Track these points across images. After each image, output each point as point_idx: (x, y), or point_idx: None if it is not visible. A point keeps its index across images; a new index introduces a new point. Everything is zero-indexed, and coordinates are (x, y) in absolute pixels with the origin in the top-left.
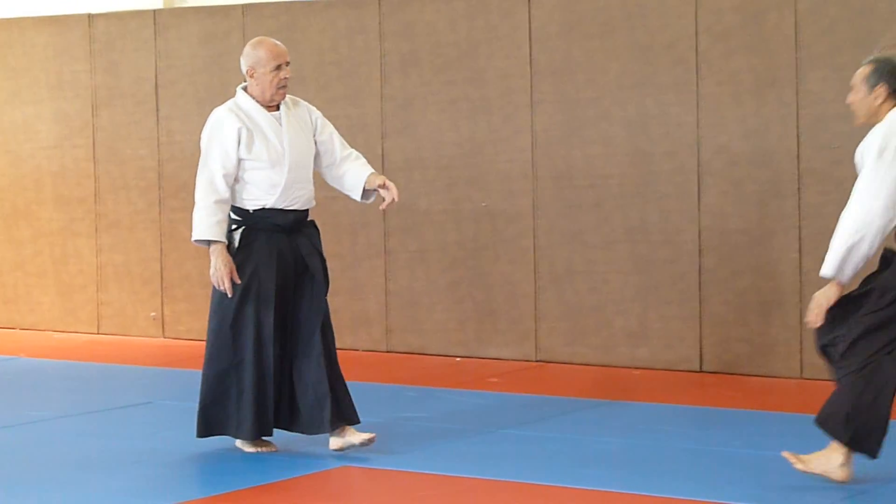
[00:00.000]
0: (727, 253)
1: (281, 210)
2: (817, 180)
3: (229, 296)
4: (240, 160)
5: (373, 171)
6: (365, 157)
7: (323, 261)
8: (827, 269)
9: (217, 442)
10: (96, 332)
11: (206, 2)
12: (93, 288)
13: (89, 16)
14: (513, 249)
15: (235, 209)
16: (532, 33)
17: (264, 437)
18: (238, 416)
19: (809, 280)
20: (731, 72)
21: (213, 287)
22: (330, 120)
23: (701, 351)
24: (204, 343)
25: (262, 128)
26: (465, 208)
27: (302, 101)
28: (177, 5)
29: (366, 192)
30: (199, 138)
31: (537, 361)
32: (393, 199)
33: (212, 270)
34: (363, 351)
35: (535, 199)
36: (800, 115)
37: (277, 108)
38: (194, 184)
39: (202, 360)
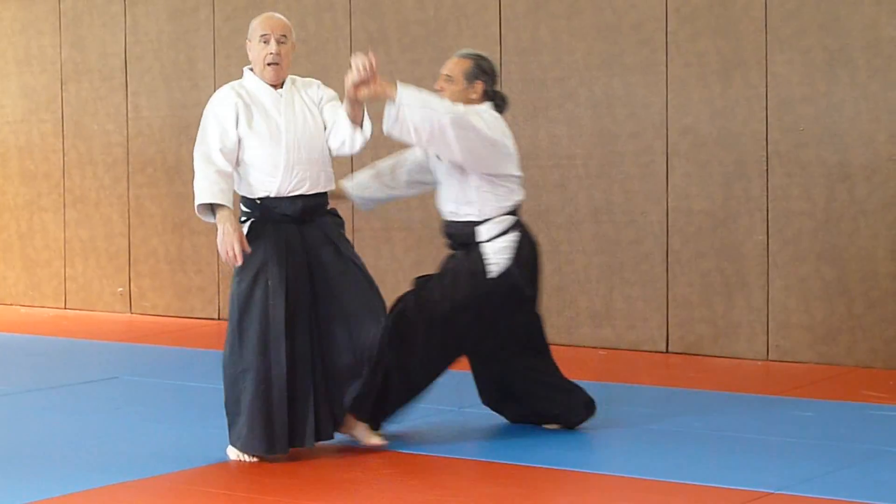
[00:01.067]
0: (692, 234)
1: (288, 198)
2: (783, 162)
3: (238, 263)
4: (240, 139)
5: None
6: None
7: (341, 250)
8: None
9: (185, 420)
10: (62, 307)
11: None
12: (59, 263)
13: None
14: None
15: (243, 199)
16: (501, 12)
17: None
18: (239, 424)
19: (775, 262)
20: (698, 53)
21: (233, 276)
22: None
23: (666, 332)
24: (170, 319)
25: (263, 104)
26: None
27: (316, 81)
28: None
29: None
30: (166, 115)
31: None
32: (361, 71)
33: (219, 239)
34: None
35: None
36: (767, 96)
37: (283, 86)
38: (161, 160)
39: (168, 336)
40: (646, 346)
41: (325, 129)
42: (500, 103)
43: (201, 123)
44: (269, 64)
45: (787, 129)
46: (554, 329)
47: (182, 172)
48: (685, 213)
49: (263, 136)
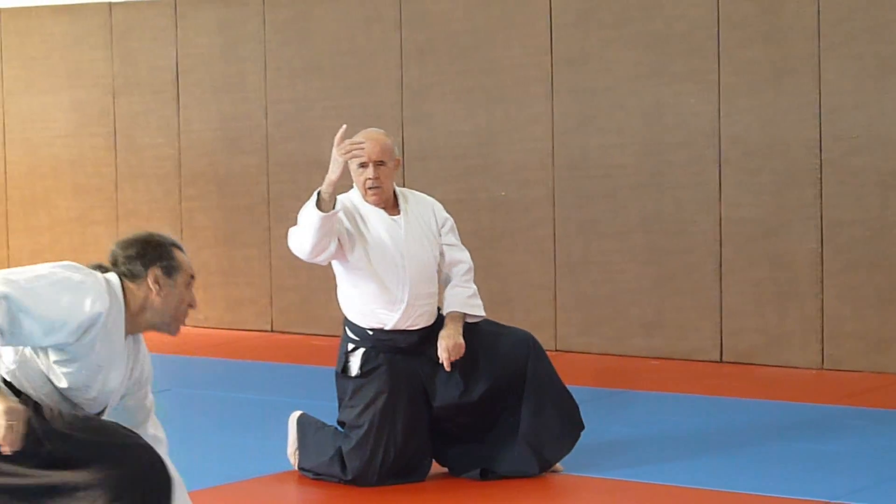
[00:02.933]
0: (743, 243)
1: (404, 332)
2: (835, 170)
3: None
4: (348, 259)
5: (457, 313)
6: None
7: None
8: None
9: (237, 432)
10: None
11: None
12: None
13: (109, 4)
14: (528, 239)
15: (352, 325)
16: (551, 22)
17: None
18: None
19: (828, 271)
20: (749, 61)
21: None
22: (346, 109)
23: (720, 342)
24: (222, 331)
25: (378, 232)
26: (480, 197)
27: (431, 201)
28: None
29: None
30: (217, 127)
31: (556, 351)
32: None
33: None
34: None
35: (551, 189)
36: (819, 104)
37: (397, 207)
38: (212, 173)
39: (220, 348)
40: (698, 356)
41: (439, 255)
42: None
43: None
44: (369, 189)
45: (838, 137)
46: (605, 339)
47: (231, 185)
48: (736, 222)
49: (380, 267)
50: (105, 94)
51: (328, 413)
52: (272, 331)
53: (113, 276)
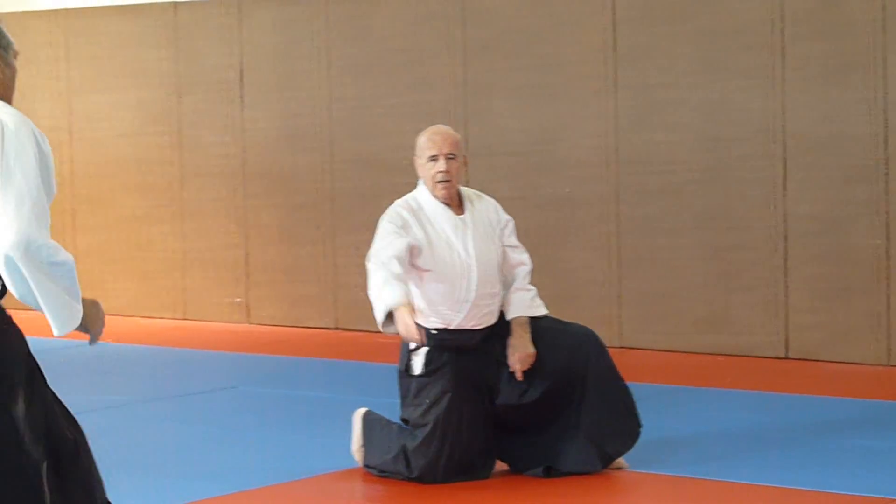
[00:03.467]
0: (807, 239)
1: (467, 331)
2: None
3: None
4: (414, 261)
5: (524, 318)
6: None
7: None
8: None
9: (301, 429)
10: (180, 317)
11: None
12: (176, 274)
13: (174, 4)
14: (590, 236)
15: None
16: (613, 17)
17: None
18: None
19: (893, 266)
20: (812, 56)
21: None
22: (406, 106)
23: (784, 338)
24: (286, 329)
25: (444, 230)
26: (542, 195)
27: (492, 201)
28: None
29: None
30: (280, 125)
31: (619, 347)
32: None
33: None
34: None
35: (613, 186)
36: (885, 98)
37: (462, 207)
38: (275, 171)
39: (284, 346)
40: (760, 352)
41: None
42: None
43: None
44: (438, 182)
45: None
46: (668, 335)
47: (295, 182)
48: (796, 217)
49: (446, 267)
50: (169, 94)
51: (392, 410)
52: (336, 328)
53: None
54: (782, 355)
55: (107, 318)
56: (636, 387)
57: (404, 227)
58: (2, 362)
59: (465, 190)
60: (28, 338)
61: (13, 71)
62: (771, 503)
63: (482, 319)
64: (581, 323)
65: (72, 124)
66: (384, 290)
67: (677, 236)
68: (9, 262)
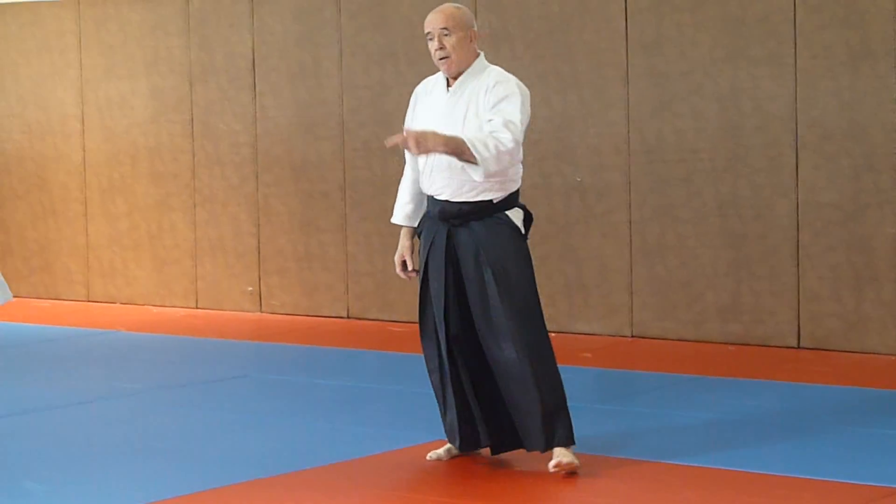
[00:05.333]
0: (821, 228)
1: (433, 198)
2: None
3: (404, 277)
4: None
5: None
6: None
7: (481, 261)
8: None
9: (313, 417)
10: (193, 306)
11: None
12: (189, 263)
13: None
14: (604, 224)
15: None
16: (626, 6)
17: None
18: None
19: None
20: (826, 44)
21: None
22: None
23: (797, 327)
24: (299, 318)
25: (435, 100)
26: (555, 182)
27: (496, 70)
28: None
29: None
30: (293, 114)
31: (632, 337)
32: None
33: None
34: None
35: (627, 174)
36: None
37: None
38: (288, 159)
39: (296, 334)
40: (775, 342)
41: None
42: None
43: None
44: (439, 60)
45: None
46: (681, 324)
47: (308, 171)
48: (814, 206)
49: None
50: (182, 82)
51: (404, 398)
52: (348, 317)
53: None
54: (796, 345)
55: (120, 307)
56: (648, 376)
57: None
58: None
59: (483, 66)
60: (42, 325)
61: None
62: (784, 493)
63: (439, 191)
64: (595, 311)
65: (85, 113)
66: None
67: (691, 225)
68: None
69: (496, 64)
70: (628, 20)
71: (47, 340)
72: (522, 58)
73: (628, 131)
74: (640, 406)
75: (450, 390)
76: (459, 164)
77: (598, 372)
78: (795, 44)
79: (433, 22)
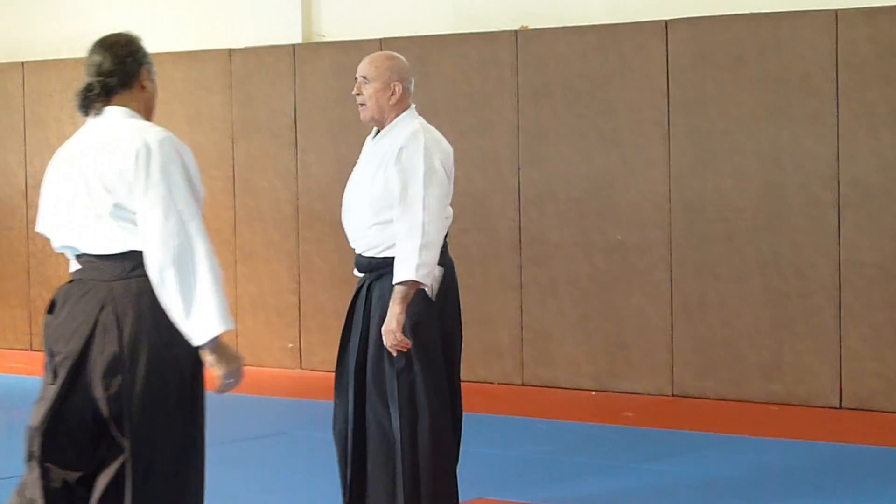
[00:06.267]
0: (863, 287)
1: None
2: None
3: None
4: None
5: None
6: (495, 188)
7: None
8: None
9: None
10: None
11: (343, 36)
12: (231, 318)
13: (229, 51)
14: (645, 282)
15: None
16: (667, 64)
17: None
18: None
19: None
20: (867, 103)
21: None
22: (462, 152)
23: (840, 387)
24: None
25: (365, 148)
26: (596, 240)
27: (410, 128)
28: (315, 40)
29: None
30: (334, 171)
31: (672, 395)
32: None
33: None
34: (496, 384)
35: (668, 232)
36: None
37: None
38: (329, 216)
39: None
40: (817, 401)
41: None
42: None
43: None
44: (358, 104)
45: None
46: (723, 383)
47: None
48: (856, 265)
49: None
50: (224, 138)
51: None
52: None
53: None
54: (838, 405)
55: None
56: (689, 435)
57: None
58: None
59: (401, 121)
60: None
61: (156, 87)
62: None
63: (353, 243)
64: (636, 370)
65: None
66: None
67: (732, 283)
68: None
69: (541, 122)
70: (669, 78)
71: None
72: (563, 115)
73: (669, 189)
74: (681, 466)
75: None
76: (368, 220)
77: (638, 431)
78: (837, 102)
79: (360, 66)
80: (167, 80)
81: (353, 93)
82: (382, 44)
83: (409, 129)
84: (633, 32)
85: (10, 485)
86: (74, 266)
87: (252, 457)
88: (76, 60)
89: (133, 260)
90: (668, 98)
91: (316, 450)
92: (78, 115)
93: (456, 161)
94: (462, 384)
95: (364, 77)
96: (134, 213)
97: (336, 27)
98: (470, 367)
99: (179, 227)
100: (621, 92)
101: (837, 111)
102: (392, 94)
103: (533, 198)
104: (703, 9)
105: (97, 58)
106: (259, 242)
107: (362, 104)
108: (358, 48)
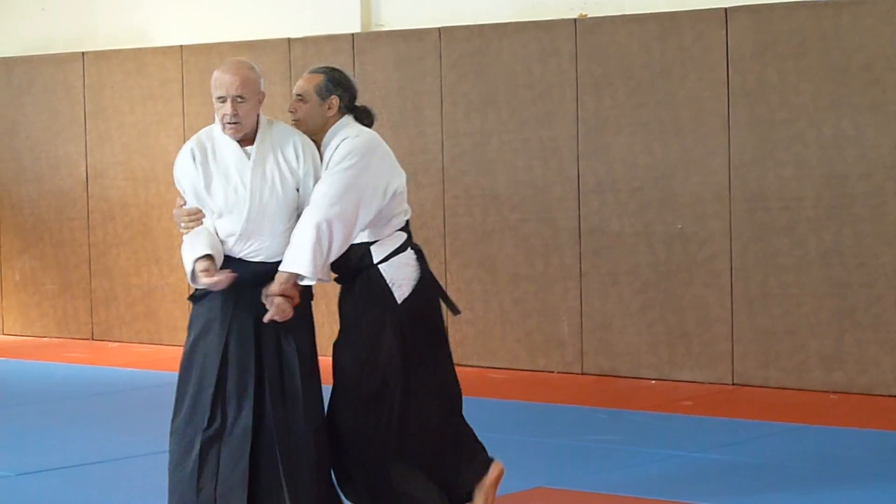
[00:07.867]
0: None
1: (240, 261)
2: None
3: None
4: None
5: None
6: (555, 179)
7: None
8: None
9: None
10: None
11: (402, 25)
12: None
13: (288, 40)
14: (706, 272)
15: None
16: (728, 54)
17: None
18: None
19: None
20: None
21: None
22: (522, 143)
23: None
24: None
25: (226, 164)
26: (657, 230)
27: (295, 138)
28: (373, 29)
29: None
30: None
31: (733, 385)
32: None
33: None
34: (556, 373)
35: (728, 222)
36: None
37: (254, 140)
38: None
39: None
40: (879, 390)
41: (297, 194)
42: (362, 117)
43: None
44: (227, 124)
45: None
46: (784, 372)
47: (414, 217)
48: None
49: (219, 202)
50: None
51: (509, 446)
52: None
53: None
54: (894, 394)
55: None
56: (750, 424)
57: (197, 147)
58: None
59: (269, 121)
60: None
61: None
62: None
63: (253, 253)
64: (697, 359)
65: None
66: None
67: (794, 273)
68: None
69: (601, 112)
70: (730, 68)
71: (150, 386)
72: (624, 105)
73: (730, 179)
74: (741, 455)
75: None
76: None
77: (698, 420)
78: None
79: (228, 85)
80: None
81: (227, 112)
82: (441, 33)
83: (292, 130)
84: (693, 21)
85: (80, 473)
86: None
87: None
88: (136, 51)
89: None
90: (729, 87)
91: None
92: (138, 105)
93: (516, 151)
94: (523, 373)
95: (240, 97)
96: None
97: (395, 16)
98: (531, 357)
99: None
100: (681, 81)
101: None
102: (260, 103)
103: (593, 188)
104: None
105: None
106: None
107: (237, 123)
108: (417, 37)
